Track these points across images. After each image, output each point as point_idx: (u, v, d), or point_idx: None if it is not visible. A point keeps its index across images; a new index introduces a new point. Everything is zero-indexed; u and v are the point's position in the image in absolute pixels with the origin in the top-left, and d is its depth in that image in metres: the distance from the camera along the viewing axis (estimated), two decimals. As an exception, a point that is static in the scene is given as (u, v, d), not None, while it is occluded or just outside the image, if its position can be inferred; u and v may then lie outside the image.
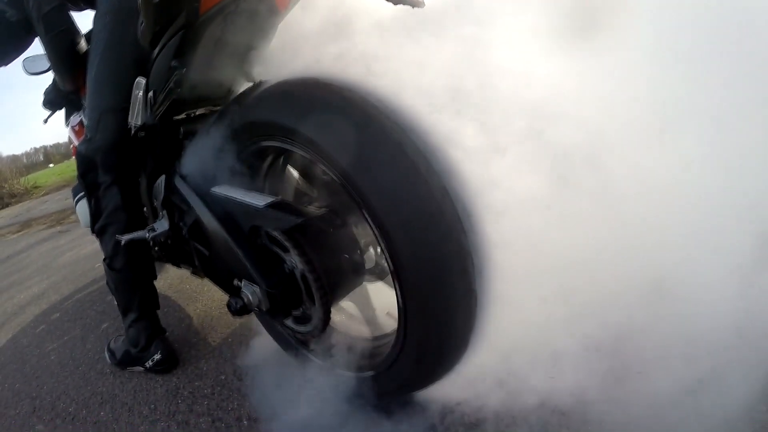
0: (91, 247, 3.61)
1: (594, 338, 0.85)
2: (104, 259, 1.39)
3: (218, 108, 1.24)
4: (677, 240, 0.80)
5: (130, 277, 1.37)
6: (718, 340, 0.83)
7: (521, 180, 0.77)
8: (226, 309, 0.90)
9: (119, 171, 1.33)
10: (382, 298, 1.07)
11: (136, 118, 0.99)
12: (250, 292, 0.86)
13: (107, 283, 1.43)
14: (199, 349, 1.51)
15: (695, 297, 0.80)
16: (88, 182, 1.38)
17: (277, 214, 0.80)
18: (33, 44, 1.67)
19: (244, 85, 1.19)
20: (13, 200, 11.21)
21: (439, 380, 0.84)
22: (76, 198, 1.47)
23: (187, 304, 1.88)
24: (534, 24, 0.81)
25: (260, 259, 0.86)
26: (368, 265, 0.91)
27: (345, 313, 1.14)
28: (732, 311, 0.81)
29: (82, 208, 1.39)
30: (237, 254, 0.85)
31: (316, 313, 0.85)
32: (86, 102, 1.35)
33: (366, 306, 1.10)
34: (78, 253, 3.61)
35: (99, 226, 1.36)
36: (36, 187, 11.98)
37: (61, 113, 2.16)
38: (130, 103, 1.15)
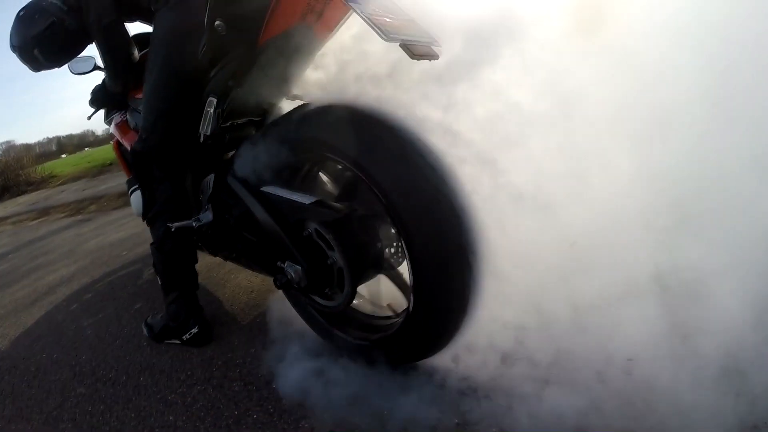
0: (116, 235, 3.80)
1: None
2: (152, 243, 1.60)
3: (258, 119, 1.45)
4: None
5: (176, 259, 1.58)
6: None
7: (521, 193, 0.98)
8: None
9: (171, 167, 1.53)
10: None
11: (206, 128, 1.20)
12: (293, 270, 1.08)
13: (154, 264, 1.63)
14: (230, 326, 1.69)
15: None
16: (142, 176, 1.59)
17: (320, 209, 1.02)
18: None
19: (284, 101, 1.40)
20: (29, 188, 11.46)
21: (442, 349, 1.05)
22: (131, 189, 1.67)
23: (216, 290, 2.06)
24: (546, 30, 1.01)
25: (302, 245, 1.07)
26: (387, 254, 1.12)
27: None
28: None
29: (136, 198, 1.59)
30: (284, 241, 1.07)
31: (344, 289, 1.06)
32: (143, 106, 1.55)
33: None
34: (103, 240, 3.79)
35: (151, 215, 1.57)
36: (52, 176, 12.23)
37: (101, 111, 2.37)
38: (181, 110, 1.35)
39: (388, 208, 0.95)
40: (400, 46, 0.84)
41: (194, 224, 1.43)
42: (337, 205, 1.07)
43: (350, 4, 0.83)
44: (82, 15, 1.62)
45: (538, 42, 0.97)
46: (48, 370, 1.78)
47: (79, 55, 1.92)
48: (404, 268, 1.13)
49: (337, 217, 0.98)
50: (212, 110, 1.17)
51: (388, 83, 1.08)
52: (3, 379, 1.81)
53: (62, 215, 6.23)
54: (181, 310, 1.60)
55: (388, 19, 0.84)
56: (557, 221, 0.99)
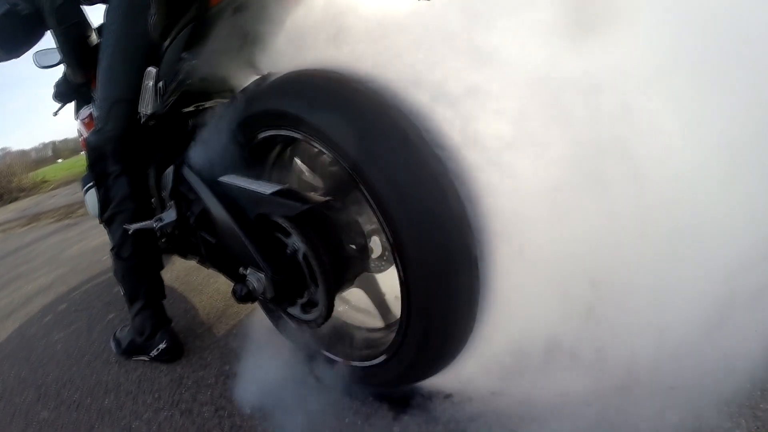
0: (99, 239, 3.64)
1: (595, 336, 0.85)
2: (112, 249, 1.41)
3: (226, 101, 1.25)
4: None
5: (137, 266, 1.39)
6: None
7: (524, 172, 0.77)
8: (232, 301, 0.93)
9: (128, 161, 1.35)
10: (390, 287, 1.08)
11: (146, 107, 1.01)
12: (256, 279, 0.87)
13: (114, 272, 1.45)
14: (204, 339, 1.52)
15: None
16: (97, 172, 1.40)
17: (283, 201, 0.82)
18: (43, 38, 1.71)
19: (252, 78, 1.20)
20: (21, 194, 11.34)
21: (442, 369, 0.85)
22: (86, 187, 1.50)
23: (193, 296, 1.90)
24: (543, 18, 0.81)
25: (266, 247, 0.87)
26: (375, 253, 0.92)
27: (351, 304, 1.15)
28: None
29: (91, 198, 1.42)
30: (243, 242, 0.87)
31: (320, 299, 0.86)
32: (97, 93, 1.37)
33: (375, 296, 1.11)
34: (86, 246, 3.65)
35: (107, 215, 1.38)
36: (45, 182, 12.13)
37: (70, 106, 2.20)
38: (137, 95, 1.17)
39: (374, 199, 0.74)
40: None
41: (155, 225, 1.24)
42: (306, 195, 0.87)
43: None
44: None
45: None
46: (14, 391, 1.65)
47: (46, 48, 1.78)
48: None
49: (304, 209, 0.78)
50: (151, 83, 0.97)
51: (372, 44, 0.88)
52: (-30, 403, 1.66)
53: (51, 220, 6.10)
54: (146, 323, 1.42)
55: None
56: (585, 219, 0.79)
